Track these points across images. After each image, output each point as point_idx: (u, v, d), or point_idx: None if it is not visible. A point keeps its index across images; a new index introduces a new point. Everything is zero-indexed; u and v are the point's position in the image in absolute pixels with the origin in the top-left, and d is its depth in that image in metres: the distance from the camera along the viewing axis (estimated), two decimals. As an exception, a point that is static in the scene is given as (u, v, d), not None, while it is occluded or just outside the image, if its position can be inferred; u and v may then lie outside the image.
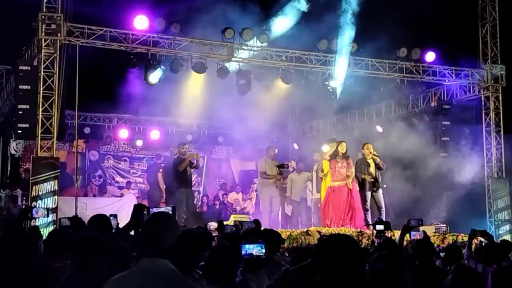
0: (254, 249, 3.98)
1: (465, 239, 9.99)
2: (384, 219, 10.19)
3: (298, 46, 14.05)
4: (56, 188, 11.75)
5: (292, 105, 17.76)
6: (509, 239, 12.55)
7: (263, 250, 3.98)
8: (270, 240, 5.17)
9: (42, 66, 11.92)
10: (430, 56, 14.84)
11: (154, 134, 19.48)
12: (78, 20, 12.39)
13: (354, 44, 14.11)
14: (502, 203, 15.24)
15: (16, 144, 17.12)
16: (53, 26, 12.00)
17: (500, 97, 15.52)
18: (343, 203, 12.19)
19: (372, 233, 8.82)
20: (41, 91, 11.85)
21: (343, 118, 18.74)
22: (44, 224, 10.97)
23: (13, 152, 17.24)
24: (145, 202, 16.06)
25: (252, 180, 17.97)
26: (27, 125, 11.77)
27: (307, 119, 19.13)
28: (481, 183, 15.46)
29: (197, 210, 16.74)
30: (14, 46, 13.94)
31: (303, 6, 13.50)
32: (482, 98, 15.70)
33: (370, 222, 11.08)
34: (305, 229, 11.42)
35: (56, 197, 11.74)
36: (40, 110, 11.79)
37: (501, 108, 15.48)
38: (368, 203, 12.40)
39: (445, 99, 15.78)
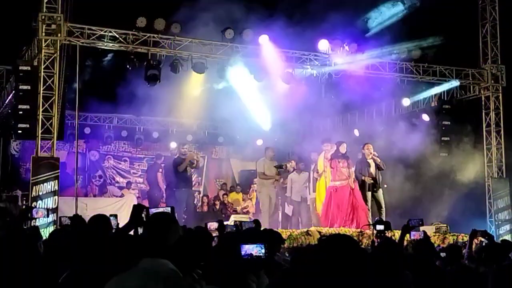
0: (254, 250, 3.98)
1: (466, 239, 10.00)
2: (384, 219, 10.20)
3: (298, 46, 14.05)
4: (56, 188, 11.75)
5: (292, 105, 17.74)
6: (510, 239, 12.54)
7: (263, 251, 3.98)
8: (271, 240, 5.17)
9: (42, 66, 11.91)
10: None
11: (155, 134, 19.50)
12: (78, 21, 12.39)
13: (354, 44, 14.12)
14: (502, 203, 15.23)
15: (17, 144, 17.15)
16: (53, 27, 11.99)
17: (500, 97, 15.51)
18: (346, 203, 12.21)
19: (373, 233, 8.82)
20: (41, 91, 11.84)
21: (343, 118, 18.74)
22: (44, 224, 10.96)
23: (13, 152, 17.26)
24: (146, 202, 16.09)
25: (252, 180, 17.96)
26: (27, 125, 11.76)
27: (308, 119, 19.11)
28: (481, 183, 15.45)
29: (197, 210, 16.77)
30: (14, 46, 13.93)
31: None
32: (483, 98, 15.69)
33: (371, 222, 11.08)
34: (305, 229, 11.42)
35: (56, 197, 11.73)
36: (40, 110, 11.78)
37: (501, 108, 15.48)
38: (369, 203, 12.43)
39: (446, 99, 15.78)
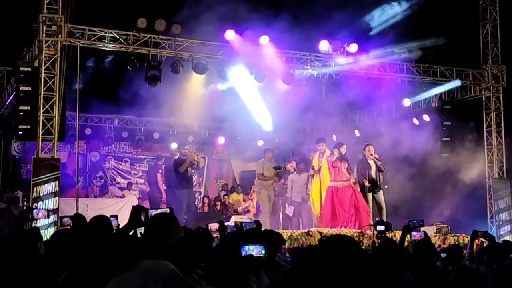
0: (254, 250, 3.98)
1: (466, 239, 10.00)
2: (384, 220, 10.18)
3: (299, 46, 14.06)
4: (57, 189, 11.75)
5: (293, 105, 17.75)
6: (511, 240, 12.53)
7: (263, 251, 3.97)
8: (271, 241, 5.17)
9: (43, 67, 11.92)
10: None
11: (155, 135, 19.51)
12: (79, 22, 12.39)
13: (355, 45, 14.12)
14: (503, 204, 15.22)
15: (17, 145, 17.16)
16: (54, 28, 11.99)
17: (501, 97, 15.50)
18: (348, 204, 12.23)
19: (373, 234, 8.82)
20: (42, 92, 11.85)
21: (344, 118, 18.74)
22: (45, 225, 10.97)
23: (14, 153, 17.27)
24: (146, 203, 16.10)
25: (253, 181, 17.97)
26: (28, 126, 11.76)
27: (308, 120, 19.11)
28: (482, 183, 15.44)
29: (198, 210, 16.77)
30: (15, 47, 13.95)
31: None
32: (483, 98, 15.68)
33: (372, 223, 11.08)
34: (306, 230, 11.42)
35: (57, 198, 11.73)
36: (41, 111, 11.79)
37: (502, 109, 15.47)
38: (370, 204, 12.44)
39: (446, 99, 15.78)
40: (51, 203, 11.60)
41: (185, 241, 3.40)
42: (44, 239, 6.47)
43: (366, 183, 12.39)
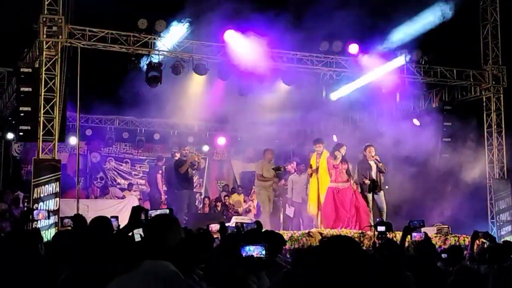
0: (255, 251, 3.97)
1: (467, 240, 10.00)
2: (385, 221, 10.18)
3: (299, 47, 14.06)
4: (58, 190, 11.75)
5: (293, 106, 17.76)
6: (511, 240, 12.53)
7: (264, 252, 3.97)
8: (272, 242, 5.16)
9: (44, 68, 11.92)
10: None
11: (156, 136, 19.52)
12: (79, 22, 12.40)
13: (356, 44, 14.13)
14: (504, 204, 15.21)
15: (18, 146, 17.16)
16: (54, 28, 11.99)
17: (502, 98, 15.50)
18: (350, 204, 12.23)
19: (374, 234, 8.81)
20: (43, 93, 11.85)
21: (344, 119, 18.73)
22: (45, 226, 10.98)
23: (14, 154, 17.28)
24: (147, 204, 16.11)
25: (254, 182, 17.97)
26: (29, 127, 11.76)
27: (309, 120, 19.11)
28: (482, 184, 15.43)
29: (199, 211, 16.78)
30: (16, 48, 13.95)
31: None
32: (484, 99, 15.68)
33: (372, 224, 11.09)
34: (306, 231, 11.43)
35: (57, 199, 11.73)
36: (42, 112, 11.79)
37: (502, 109, 15.46)
38: (370, 205, 12.44)
39: (447, 100, 15.76)
40: (51, 204, 11.60)
41: (185, 242, 3.40)
42: (45, 240, 6.48)
43: (366, 181, 12.37)
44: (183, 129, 19.66)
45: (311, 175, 12.83)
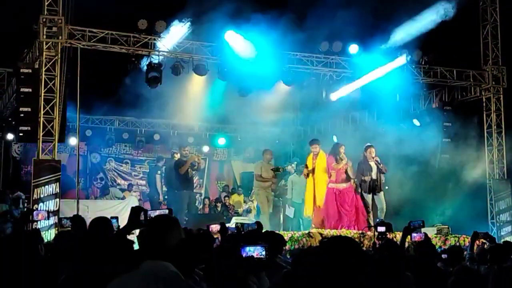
0: (255, 251, 3.97)
1: (467, 240, 10.00)
2: (385, 221, 10.17)
3: (300, 47, 14.07)
4: (58, 191, 11.75)
5: (293, 106, 17.78)
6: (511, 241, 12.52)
7: (264, 252, 3.97)
8: (272, 242, 5.16)
9: (44, 69, 11.92)
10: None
11: (156, 137, 19.53)
12: (79, 23, 12.40)
13: (356, 45, 14.14)
14: (504, 204, 15.21)
15: (18, 147, 17.16)
16: (54, 29, 12.00)
17: (502, 98, 15.50)
18: (351, 205, 12.23)
19: (374, 235, 8.81)
20: (43, 94, 11.85)
21: (344, 119, 18.73)
22: (45, 227, 10.98)
23: (14, 155, 17.27)
24: (147, 204, 16.12)
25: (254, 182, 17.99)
26: (29, 128, 11.77)
27: (309, 121, 19.13)
28: (482, 184, 15.43)
29: (199, 212, 16.78)
30: (16, 49, 13.96)
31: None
32: (484, 99, 15.68)
33: (372, 224, 11.08)
34: (307, 231, 11.42)
35: (57, 199, 11.74)
36: (42, 112, 11.79)
37: (502, 109, 15.46)
38: (370, 205, 12.43)
39: (447, 100, 15.75)
40: (51, 205, 11.61)
41: (185, 242, 3.40)
42: (45, 240, 6.47)
43: (366, 178, 12.34)
44: (183, 129, 19.66)
45: (307, 175, 12.83)
